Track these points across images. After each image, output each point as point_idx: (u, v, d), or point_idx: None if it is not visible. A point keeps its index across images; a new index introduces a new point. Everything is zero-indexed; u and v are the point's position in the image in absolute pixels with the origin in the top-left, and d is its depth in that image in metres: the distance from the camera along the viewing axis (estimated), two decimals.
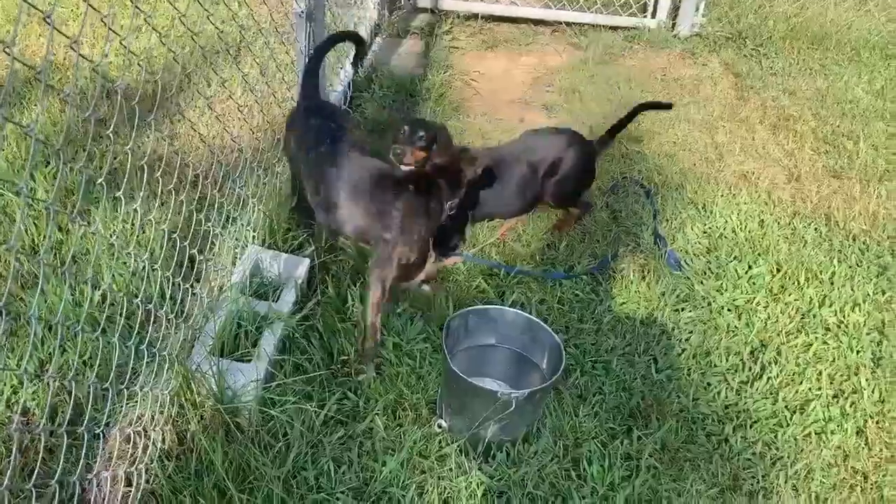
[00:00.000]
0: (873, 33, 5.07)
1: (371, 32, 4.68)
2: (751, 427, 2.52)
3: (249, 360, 2.31)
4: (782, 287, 3.07)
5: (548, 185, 3.22)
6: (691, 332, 2.87)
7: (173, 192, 2.43)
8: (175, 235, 2.32)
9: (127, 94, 2.17)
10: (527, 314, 2.53)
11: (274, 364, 2.38)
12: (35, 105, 3.82)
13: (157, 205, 2.82)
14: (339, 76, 4.04)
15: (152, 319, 2.19)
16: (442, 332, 2.40)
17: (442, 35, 4.92)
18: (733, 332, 2.87)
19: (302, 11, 3.08)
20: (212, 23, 2.78)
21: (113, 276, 2.63)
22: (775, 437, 2.50)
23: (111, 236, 2.89)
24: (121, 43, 2.07)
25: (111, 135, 2.16)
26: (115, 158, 3.21)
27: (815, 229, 3.39)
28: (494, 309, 2.54)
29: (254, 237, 2.78)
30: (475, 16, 5.07)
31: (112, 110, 2.31)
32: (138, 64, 4.09)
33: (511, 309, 2.56)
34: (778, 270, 3.14)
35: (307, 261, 2.72)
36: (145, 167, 2.16)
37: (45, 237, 2.94)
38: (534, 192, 3.22)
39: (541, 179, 3.21)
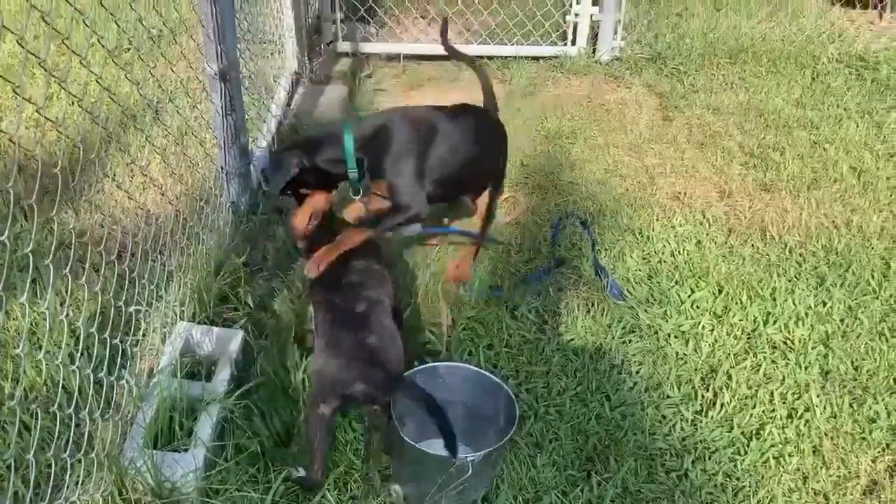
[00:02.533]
0: (786, 43, 5.20)
1: (292, 82, 4.60)
2: (709, 458, 2.49)
3: (186, 450, 2.18)
4: (726, 308, 3.07)
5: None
6: (641, 363, 2.84)
7: (96, 269, 2.31)
8: (97, 319, 2.20)
9: (43, 165, 2.06)
10: (475, 368, 2.46)
11: (213, 450, 2.25)
12: None
13: (80, 282, 2.67)
14: (262, 130, 3.95)
15: (73, 422, 2.04)
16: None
17: (365, 79, 4.88)
18: (682, 359, 2.85)
19: (215, 73, 2.99)
20: (129, 79, 2.68)
21: (32, 369, 2.48)
22: (735, 466, 2.47)
23: (31, 325, 2.74)
24: (37, 111, 1.94)
25: (32, 205, 1.99)
26: (31, 237, 3.06)
27: (752, 245, 3.41)
28: (442, 366, 2.46)
29: (182, 312, 2.66)
30: (397, 56, 5.03)
31: (28, 184, 2.22)
32: (58, 131, 3.94)
33: (459, 364, 2.49)
34: (720, 291, 3.14)
35: (241, 333, 2.61)
36: (72, 242, 2.04)
37: None
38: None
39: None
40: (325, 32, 5.04)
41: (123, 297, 2.45)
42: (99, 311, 2.48)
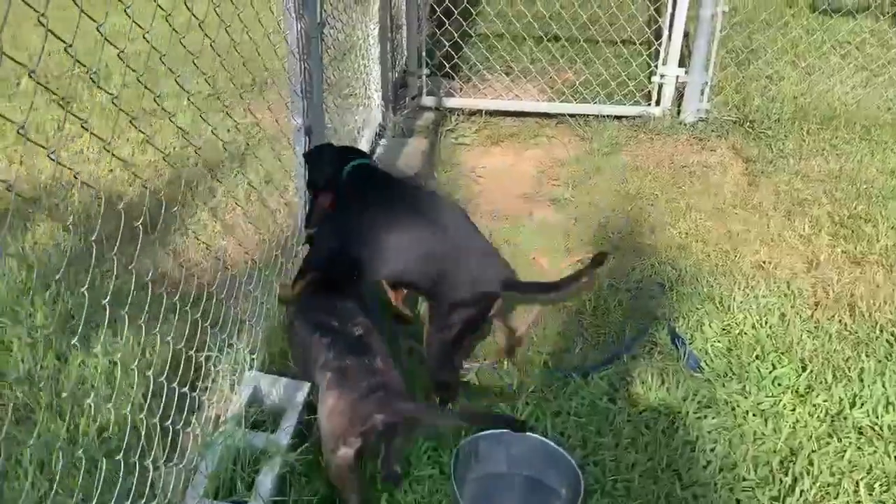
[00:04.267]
0: (882, 110, 5.02)
1: (376, 134, 4.70)
2: None
3: (246, 502, 2.18)
4: (809, 387, 2.92)
5: None
6: (716, 441, 2.71)
7: (175, 311, 2.36)
8: (168, 364, 2.25)
9: (129, 211, 2.16)
10: (540, 437, 2.40)
11: None
12: (39, 225, 3.84)
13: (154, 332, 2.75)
14: None
15: (138, 469, 2.08)
16: (450, 459, 2.28)
17: (447, 133, 4.93)
18: (760, 439, 2.71)
19: (300, 127, 3.07)
20: (215, 134, 2.78)
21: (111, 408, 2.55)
22: None
23: (111, 364, 2.83)
24: (120, 159, 2.03)
25: (115, 256, 2.08)
26: (117, 278, 3.18)
27: (840, 321, 3.25)
28: (506, 433, 2.41)
29: (252, 361, 2.70)
30: (479, 111, 5.08)
31: (116, 230, 2.34)
32: (143, 184, 4.12)
33: (523, 433, 2.43)
34: (803, 369, 2.99)
35: (308, 384, 2.62)
36: (149, 285, 2.11)
37: (39, 366, 2.88)
38: None
39: None
40: (411, 87, 5.14)
41: (195, 345, 2.50)
42: (171, 356, 2.55)
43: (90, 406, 2.51)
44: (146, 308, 2.27)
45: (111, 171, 4.30)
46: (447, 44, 5.12)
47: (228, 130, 3.91)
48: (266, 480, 2.25)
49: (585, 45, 5.12)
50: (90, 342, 2.98)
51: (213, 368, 2.62)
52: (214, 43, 2.43)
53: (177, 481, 2.15)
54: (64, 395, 2.58)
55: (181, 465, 2.18)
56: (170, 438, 2.24)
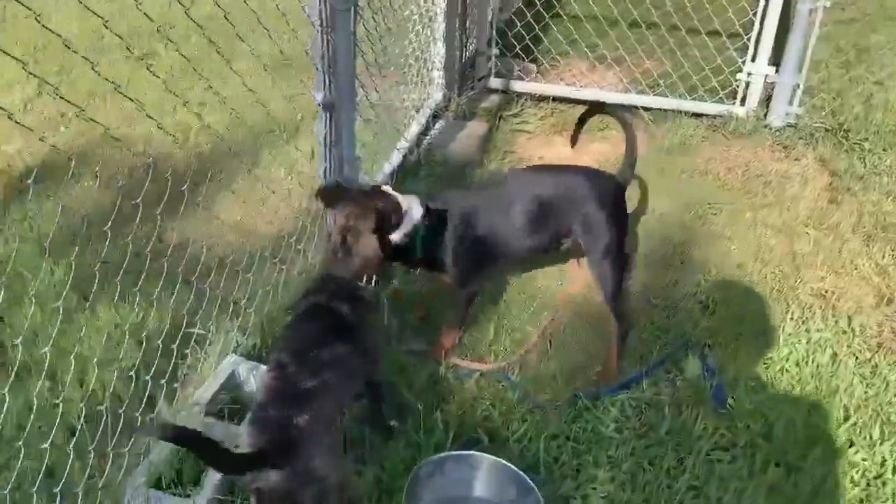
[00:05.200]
0: None
1: (432, 115, 4.51)
2: None
3: (188, 496, 2.09)
4: (849, 442, 2.58)
5: (575, 231, 2.86)
6: (725, 489, 2.43)
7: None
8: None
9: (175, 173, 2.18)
10: (513, 467, 2.20)
11: (218, 502, 2.15)
12: (76, 182, 3.90)
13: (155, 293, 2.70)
14: (389, 159, 3.88)
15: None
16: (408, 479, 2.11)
17: (509, 117, 4.69)
18: (777, 495, 2.41)
19: (320, 103, 2.93)
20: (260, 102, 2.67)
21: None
22: None
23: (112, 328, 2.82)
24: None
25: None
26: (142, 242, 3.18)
27: None
28: (476, 455, 2.23)
29: (238, 344, 2.60)
30: (547, 98, 4.81)
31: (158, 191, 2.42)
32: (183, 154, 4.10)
33: (492, 457, 2.23)
34: (846, 419, 2.65)
35: None
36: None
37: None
38: (550, 230, 2.86)
39: (568, 216, 2.85)
40: (479, 67, 4.91)
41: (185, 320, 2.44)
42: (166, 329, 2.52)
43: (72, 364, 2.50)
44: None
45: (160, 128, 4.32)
46: (519, 23, 4.85)
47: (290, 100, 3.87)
48: (214, 476, 2.14)
49: (667, 33, 4.74)
50: (99, 304, 2.98)
51: (198, 348, 2.55)
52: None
53: (118, 465, 2.08)
54: (45, 350, 2.57)
55: (125, 450, 2.11)
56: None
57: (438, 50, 4.56)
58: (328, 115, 2.97)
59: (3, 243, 3.42)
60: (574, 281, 3.29)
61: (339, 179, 2.94)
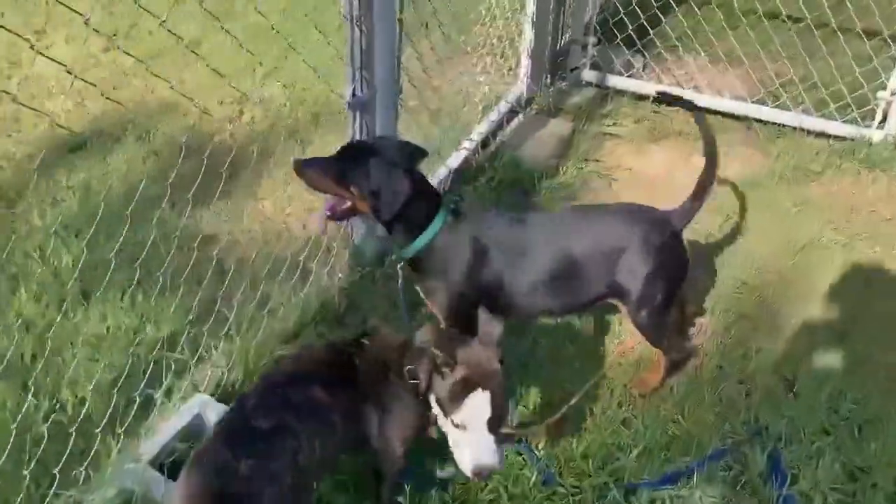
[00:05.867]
0: None
1: (510, 109, 4.02)
2: None
3: None
4: None
5: (617, 284, 2.35)
6: None
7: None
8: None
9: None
10: None
11: None
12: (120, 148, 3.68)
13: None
14: (446, 161, 3.45)
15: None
16: None
17: (599, 117, 4.13)
18: None
19: (348, 101, 2.53)
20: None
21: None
22: None
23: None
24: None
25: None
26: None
27: None
28: None
29: (223, 375, 2.28)
30: (648, 97, 4.21)
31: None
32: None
33: None
34: None
35: None
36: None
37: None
38: (579, 293, 2.36)
39: (601, 276, 2.34)
40: (573, 57, 4.36)
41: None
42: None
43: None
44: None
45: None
46: (623, 11, 4.25)
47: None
48: None
49: (797, 35, 4.01)
50: (98, 299, 2.74)
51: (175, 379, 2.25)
52: None
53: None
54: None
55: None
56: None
57: (527, 35, 4.05)
58: (355, 114, 2.57)
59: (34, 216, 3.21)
60: (634, 334, 2.78)
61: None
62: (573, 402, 2.50)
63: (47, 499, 1.90)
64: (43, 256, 2.95)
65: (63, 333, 2.56)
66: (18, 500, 1.89)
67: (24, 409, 2.21)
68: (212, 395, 2.26)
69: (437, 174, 3.32)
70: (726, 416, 2.51)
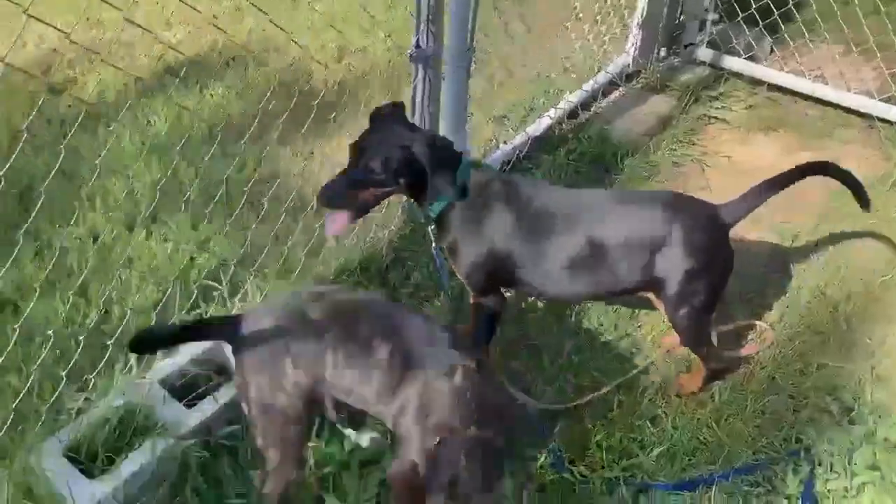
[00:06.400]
0: None
1: (609, 81, 3.84)
2: None
3: (95, 477, 1.87)
4: None
5: (654, 278, 2.19)
6: None
7: None
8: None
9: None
10: None
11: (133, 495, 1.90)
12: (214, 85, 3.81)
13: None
14: (527, 126, 3.36)
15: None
16: None
17: (708, 99, 3.88)
18: None
19: (413, 53, 2.48)
20: None
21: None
22: None
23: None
24: None
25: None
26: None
27: None
28: None
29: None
30: (764, 84, 3.91)
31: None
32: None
33: None
34: None
35: None
36: None
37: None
38: (614, 278, 2.20)
39: (635, 267, 2.18)
40: (688, 32, 4.09)
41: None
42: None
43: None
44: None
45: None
46: None
47: None
48: (136, 460, 1.90)
49: None
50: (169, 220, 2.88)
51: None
52: None
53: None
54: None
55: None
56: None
57: (640, 3, 3.84)
58: (419, 67, 2.52)
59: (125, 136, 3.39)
60: None
61: None
62: (603, 391, 2.41)
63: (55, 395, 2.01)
64: (125, 175, 3.11)
65: (124, 251, 2.70)
66: (53, 396, 2.02)
67: (74, 316, 2.39)
68: None
69: (512, 141, 3.23)
70: (766, 431, 2.34)
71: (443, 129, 2.75)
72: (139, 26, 2.45)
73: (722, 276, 2.25)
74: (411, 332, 1.80)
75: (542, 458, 2.20)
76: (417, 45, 2.47)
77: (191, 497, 1.98)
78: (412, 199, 2.19)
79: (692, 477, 2.20)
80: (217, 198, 2.60)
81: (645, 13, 3.84)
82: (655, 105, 3.85)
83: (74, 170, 3.10)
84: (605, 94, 3.83)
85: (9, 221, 2.76)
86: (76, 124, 2.50)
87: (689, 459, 2.26)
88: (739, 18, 3.90)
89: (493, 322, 2.34)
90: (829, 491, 2.17)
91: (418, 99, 2.60)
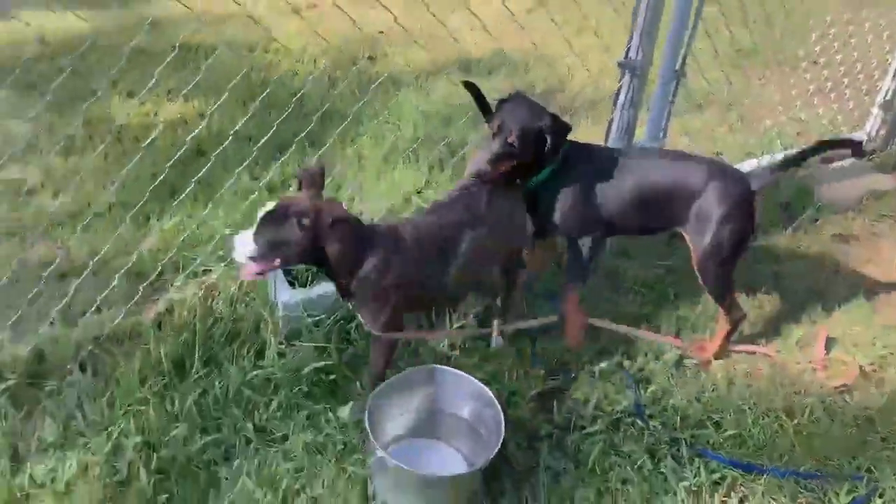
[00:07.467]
0: None
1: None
2: None
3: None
4: None
5: (689, 220, 2.65)
6: None
7: None
8: None
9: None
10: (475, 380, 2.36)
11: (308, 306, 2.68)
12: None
13: None
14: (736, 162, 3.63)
15: None
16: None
17: None
18: None
19: (621, 60, 2.98)
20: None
21: None
22: None
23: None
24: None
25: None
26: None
27: None
28: (439, 369, 2.41)
29: None
30: None
31: None
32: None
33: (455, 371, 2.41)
34: None
35: None
36: None
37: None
38: (659, 216, 2.71)
39: (678, 209, 2.66)
40: None
41: None
42: None
43: None
44: None
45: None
46: None
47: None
48: (319, 288, 2.66)
49: None
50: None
51: None
52: None
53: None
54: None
55: None
56: None
57: (887, 85, 3.93)
58: (626, 73, 3.01)
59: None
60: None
61: None
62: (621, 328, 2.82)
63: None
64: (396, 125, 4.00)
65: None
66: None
67: None
68: None
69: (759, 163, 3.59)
70: (839, 453, 2.47)
71: (643, 133, 3.21)
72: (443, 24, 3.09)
73: (746, 231, 2.61)
74: None
75: (624, 403, 2.58)
76: (627, 56, 2.96)
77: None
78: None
79: (749, 461, 2.42)
80: None
81: (890, 94, 3.92)
82: (874, 181, 3.89)
83: (361, 112, 3.91)
84: (825, 160, 3.95)
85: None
86: (377, 83, 3.43)
87: (758, 451, 2.47)
88: None
89: (586, 262, 2.78)
90: None
91: (620, 100, 3.07)
